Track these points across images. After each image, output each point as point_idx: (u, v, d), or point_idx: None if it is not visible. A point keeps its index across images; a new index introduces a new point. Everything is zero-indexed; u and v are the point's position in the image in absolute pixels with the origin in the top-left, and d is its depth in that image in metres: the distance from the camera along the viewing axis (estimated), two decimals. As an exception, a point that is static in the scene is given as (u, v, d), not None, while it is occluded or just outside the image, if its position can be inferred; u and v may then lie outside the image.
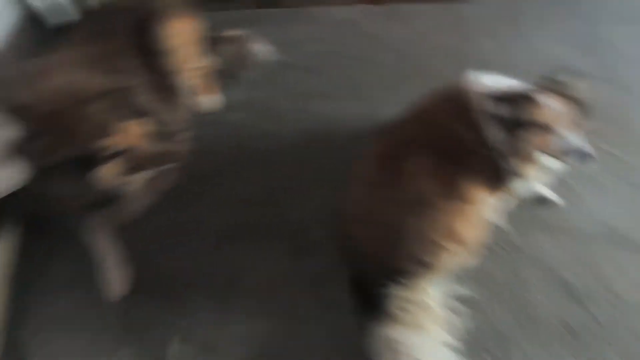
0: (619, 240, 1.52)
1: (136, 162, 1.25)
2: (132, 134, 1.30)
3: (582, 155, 1.19)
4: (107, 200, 1.33)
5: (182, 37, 1.66)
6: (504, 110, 1.22)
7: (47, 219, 1.56)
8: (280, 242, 1.55)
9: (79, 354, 1.34)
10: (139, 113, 1.36)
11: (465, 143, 1.27)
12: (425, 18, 2.23)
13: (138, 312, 1.40)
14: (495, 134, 1.24)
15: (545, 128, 1.21)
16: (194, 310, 1.41)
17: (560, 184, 1.62)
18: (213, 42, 1.92)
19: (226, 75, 1.98)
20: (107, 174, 1.26)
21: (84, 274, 1.45)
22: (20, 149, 1.20)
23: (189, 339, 1.36)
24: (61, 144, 1.22)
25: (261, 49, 2.02)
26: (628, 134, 1.80)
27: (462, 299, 1.35)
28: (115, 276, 1.41)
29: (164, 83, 1.59)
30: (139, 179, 1.29)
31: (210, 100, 1.86)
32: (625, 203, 1.61)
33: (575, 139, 1.20)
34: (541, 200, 1.60)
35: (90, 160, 1.23)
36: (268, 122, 1.88)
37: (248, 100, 1.94)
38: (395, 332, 1.15)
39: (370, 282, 1.26)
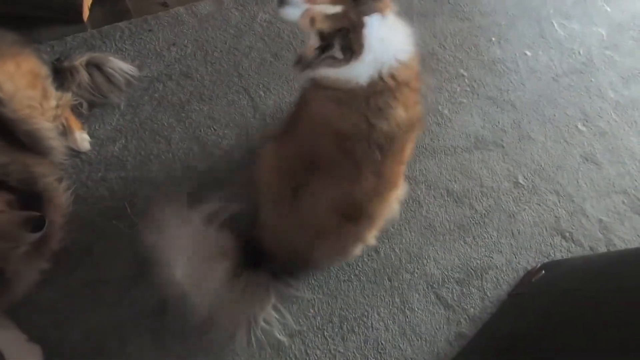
0: (481, 144, 1.88)
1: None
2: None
3: None
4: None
5: (19, 79, 1.46)
6: None
7: None
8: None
9: None
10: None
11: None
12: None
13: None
14: None
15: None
16: None
17: (429, 111, 1.89)
18: (65, 74, 1.72)
19: (93, 105, 1.80)
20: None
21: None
22: None
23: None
24: None
25: (122, 67, 1.85)
26: (476, 55, 2.09)
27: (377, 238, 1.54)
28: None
29: (15, 135, 1.40)
30: (13, 254, 1.13)
31: (78, 138, 1.68)
32: (482, 114, 1.95)
33: None
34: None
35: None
36: (152, 143, 1.76)
37: (124, 126, 1.79)
38: None
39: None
